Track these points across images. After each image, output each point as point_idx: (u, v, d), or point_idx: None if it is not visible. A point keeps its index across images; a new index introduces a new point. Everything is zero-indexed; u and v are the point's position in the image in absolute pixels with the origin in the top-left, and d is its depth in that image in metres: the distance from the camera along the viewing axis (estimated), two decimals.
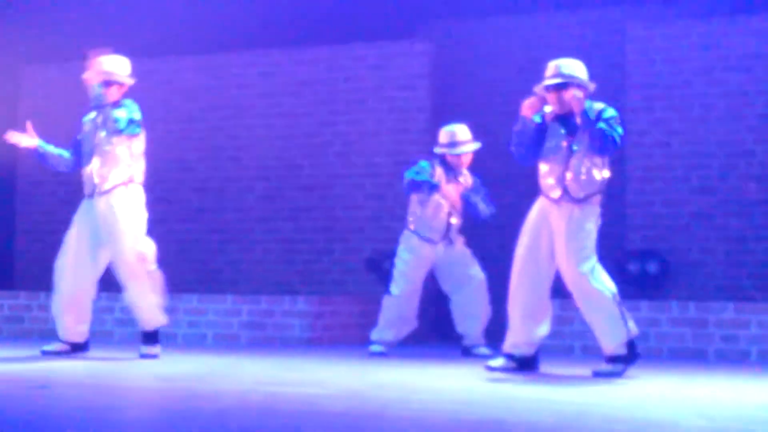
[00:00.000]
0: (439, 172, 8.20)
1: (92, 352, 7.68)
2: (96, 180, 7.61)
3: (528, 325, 6.68)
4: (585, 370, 6.80)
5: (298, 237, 11.71)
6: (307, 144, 11.76)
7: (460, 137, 8.27)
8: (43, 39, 12.05)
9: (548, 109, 6.69)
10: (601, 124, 6.49)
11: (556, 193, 6.60)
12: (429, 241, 8.21)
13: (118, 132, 7.54)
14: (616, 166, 10.83)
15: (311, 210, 11.66)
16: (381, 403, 5.15)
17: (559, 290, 7.86)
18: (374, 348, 8.14)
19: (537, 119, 6.67)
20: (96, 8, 11.70)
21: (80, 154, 7.80)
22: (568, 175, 6.57)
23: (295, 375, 6.58)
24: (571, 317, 8.52)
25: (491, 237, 11.39)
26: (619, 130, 6.55)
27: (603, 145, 6.51)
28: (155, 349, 7.53)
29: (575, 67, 6.67)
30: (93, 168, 7.63)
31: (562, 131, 6.62)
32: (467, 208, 8.28)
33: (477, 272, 8.23)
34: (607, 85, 11.34)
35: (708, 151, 10.45)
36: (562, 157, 6.60)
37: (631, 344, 6.55)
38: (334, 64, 11.68)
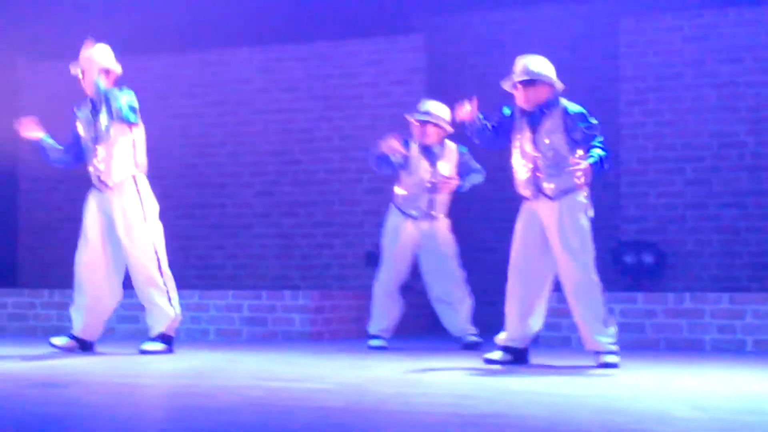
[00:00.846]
0: (413, 148, 8.26)
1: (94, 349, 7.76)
2: (102, 167, 7.60)
3: (524, 321, 6.78)
4: (581, 362, 6.88)
5: (297, 232, 11.79)
6: (305, 139, 11.83)
7: (423, 107, 8.28)
8: (42, 34, 12.08)
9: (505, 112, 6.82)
10: (598, 151, 6.51)
11: (528, 192, 6.69)
12: (410, 217, 8.27)
13: (122, 119, 7.52)
14: (609, 158, 10.96)
15: (310, 205, 11.74)
16: (381, 397, 5.22)
17: (557, 283, 7.96)
18: (373, 342, 8.22)
19: (506, 111, 6.79)
20: (94, 3, 11.74)
21: (80, 148, 7.80)
22: (538, 173, 6.64)
23: (296, 370, 6.64)
24: (568, 310, 8.59)
25: (489, 229, 11.48)
26: (600, 138, 6.59)
27: (600, 170, 6.55)
28: (159, 346, 7.59)
29: (543, 65, 6.75)
30: (99, 157, 7.62)
31: (527, 128, 6.69)
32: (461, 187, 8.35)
33: (456, 268, 8.28)
34: (600, 77, 11.46)
35: (701, 143, 10.53)
36: (529, 154, 6.67)
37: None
38: (331, 60, 11.75)
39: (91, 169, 7.73)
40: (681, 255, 10.49)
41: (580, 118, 6.61)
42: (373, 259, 10.86)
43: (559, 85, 6.71)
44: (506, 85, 6.75)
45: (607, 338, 6.64)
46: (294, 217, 11.80)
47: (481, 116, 6.78)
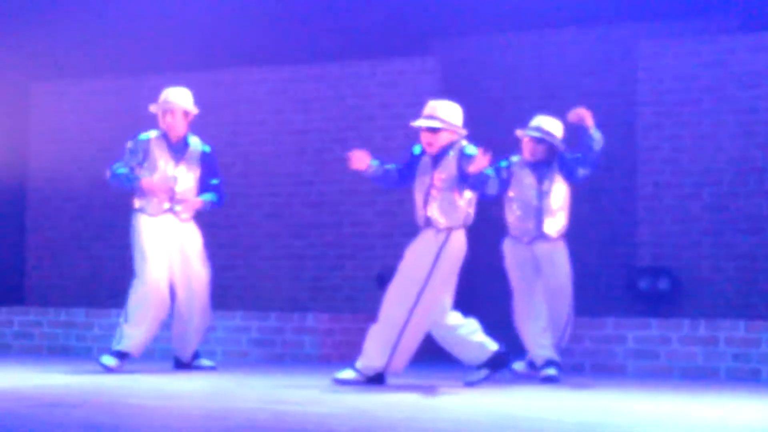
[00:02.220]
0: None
1: (100, 368, 7.68)
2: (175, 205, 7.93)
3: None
4: (594, 389, 6.78)
5: (308, 253, 11.71)
6: (317, 160, 11.77)
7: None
8: (53, 56, 12.09)
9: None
10: (489, 171, 6.88)
11: (421, 221, 7.04)
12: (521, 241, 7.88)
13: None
14: (626, 182, 10.89)
15: (321, 227, 11.66)
16: (391, 422, 5.14)
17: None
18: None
19: (417, 150, 7.17)
20: (104, 25, 11.74)
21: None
22: (430, 208, 6.99)
23: (304, 393, 6.57)
24: (581, 335, 8.50)
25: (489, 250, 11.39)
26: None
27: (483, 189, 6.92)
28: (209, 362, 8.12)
29: (451, 112, 7.08)
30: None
31: (430, 168, 7.05)
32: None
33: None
34: (617, 102, 11.39)
35: (718, 168, 10.43)
36: (423, 189, 7.05)
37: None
38: (344, 81, 11.69)
39: (163, 190, 7.91)
40: (697, 281, 10.38)
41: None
42: (384, 282, 10.77)
43: (463, 132, 7.10)
44: (416, 124, 7.14)
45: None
46: (305, 239, 11.72)
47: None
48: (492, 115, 11.81)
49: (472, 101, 11.99)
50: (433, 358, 9.53)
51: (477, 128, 11.76)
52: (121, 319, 7.87)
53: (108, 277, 12.30)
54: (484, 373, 7.05)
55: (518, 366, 7.87)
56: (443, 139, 7.01)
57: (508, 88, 11.89)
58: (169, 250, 7.90)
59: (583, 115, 7.69)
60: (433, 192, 7.00)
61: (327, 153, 11.70)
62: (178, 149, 8.00)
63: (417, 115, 11.43)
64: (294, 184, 11.82)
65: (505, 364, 7.11)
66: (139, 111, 12.66)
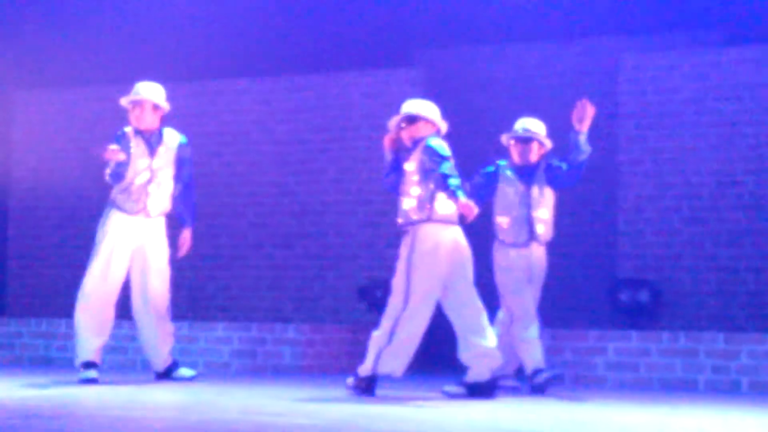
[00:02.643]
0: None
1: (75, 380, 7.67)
2: (150, 200, 7.81)
3: None
4: (575, 401, 6.79)
5: (290, 264, 11.71)
6: (301, 171, 11.78)
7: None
8: (36, 64, 12.08)
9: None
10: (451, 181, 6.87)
11: (401, 221, 7.08)
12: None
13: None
14: (607, 195, 10.93)
15: (304, 237, 11.67)
16: None
17: (550, 320, 7.88)
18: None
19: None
20: (87, 34, 11.74)
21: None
22: (401, 201, 7.04)
23: (284, 404, 6.56)
24: (562, 346, 8.52)
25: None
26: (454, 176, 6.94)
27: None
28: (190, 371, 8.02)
29: (428, 108, 7.12)
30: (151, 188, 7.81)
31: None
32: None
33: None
34: (599, 114, 11.39)
35: (699, 181, 10.48)
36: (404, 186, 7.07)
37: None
38: (328, 92, 11.71)
39: (135, 191, 7.84)
40: (677, 293, 10.41)
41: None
42: (366, 293, 10.80)
43: (444, 126, 7.16)
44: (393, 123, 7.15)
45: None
46: (288, 249, 11.72)
47: None
48: (475, 126, 11.85)
49: (455, 112, 12.03)
50: (417, 370, 9.55)
51: (460, 139, 11.79)
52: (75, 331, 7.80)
53: None
54: (460, 390, 7.05)
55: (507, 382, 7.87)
56: (422, 130, 7.05)
57: (491, 99, 11.93)
58: (132, 255, 7.78)
59: (588, 114, 7.69)
60: (403, 186, 7.04)
61: (310, 163, 11.71)
62: (152, 144, 7.96)
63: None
64: (277, 195, 11.83)
65: (484, 395, 7.02)
66: (123, 120, 12.66)
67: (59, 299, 12.41)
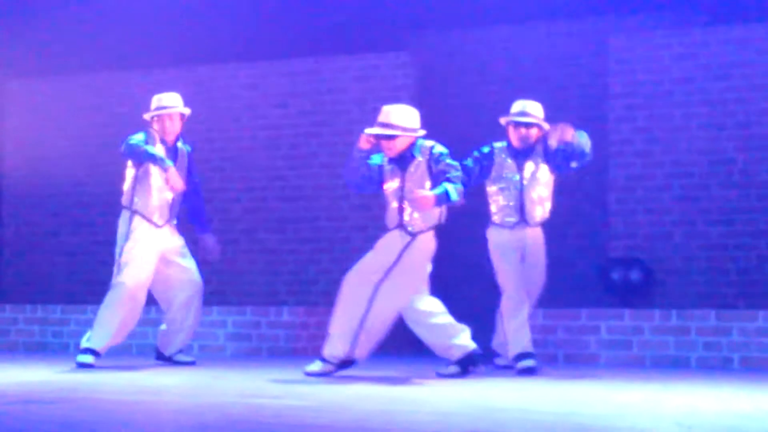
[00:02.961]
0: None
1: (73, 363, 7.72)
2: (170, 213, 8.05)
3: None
4: (569, 379, 6.85)
5: (283, 248, 11.75)
6: (292, 155, 11.80)
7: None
8: (26, 53, 12.07)
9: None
10: (447, 186, 6.91)
11: (392, 224, 7.14)
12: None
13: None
14: (598, 175, 10.97)
15: (297, 221, 11.70)
16: (364, 415, 5.19)
17: (542, 300, 7.93)
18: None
19: (378, 160, 7.24)
20: (76, 23, 11.73)
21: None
22: (405, 213, 7.07)
23: (279, 387, 6.61)
24: (554, 326, 8.58)
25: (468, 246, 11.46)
26: (456, 173, 7.01)
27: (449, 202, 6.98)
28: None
29: (405, 116, 7.12)
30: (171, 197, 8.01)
31: (399, 174, 7.13)
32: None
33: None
34: (589, 95, 11.47)
35: (689, 160, 10.53)
36: (396, 195, 7.12)
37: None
38: (318, 76, 11.73)
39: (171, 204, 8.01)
40: (669, 272, 10.47)
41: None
42: None
43: (421, 133, 7.13)
44: (369, 131, 7.16)
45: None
46: (281, 233, 11.76)
47: None
48: (465, 108, 11.88)
49: (445, 95, 12.08)
50: (406, 350, 9.60)
51: (450, 121, 11.83)
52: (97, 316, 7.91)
53: (84, 273, 12.31)
54: (454, 369, 7.13)
55: (501, 361, 7.92)
56: (401, 143, 7.07)
57: (481, 82, 11.96)
58: (158, 260, 7.95)
59: (564, 136, 7.56)
60: (407, 199, 7.05)
61: (302, 148, 11.73)
62: (172, 153, 8.04)
63: None
64: (269, 179, 11.85)
65: (476, 365, 7.15)
66: (113, 108, 12.69)
67: (54, 286, 12.45)
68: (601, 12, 11.54)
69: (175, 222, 8.11)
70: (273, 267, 11.76)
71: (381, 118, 7.13)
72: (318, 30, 11.96)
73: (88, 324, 9.46)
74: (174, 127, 8.05)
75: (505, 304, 7.63)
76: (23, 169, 12.61)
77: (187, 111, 8.16)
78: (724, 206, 10.39)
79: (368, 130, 7.14)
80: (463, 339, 7.11)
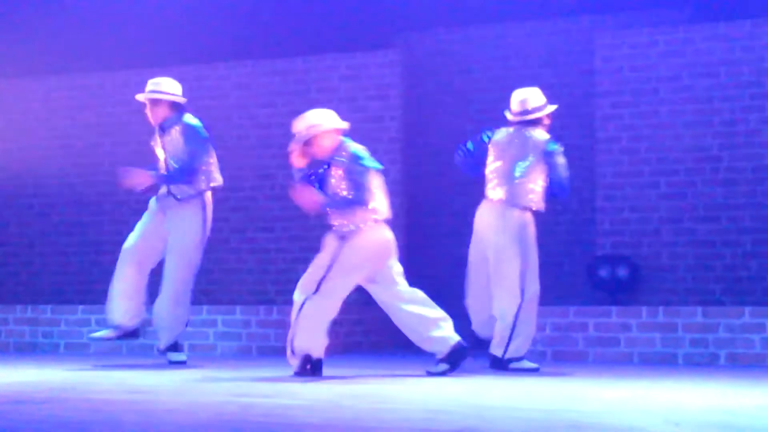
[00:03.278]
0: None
1: (67, 365, 7.72)
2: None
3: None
4: (557, 376, 6.88)
5: (273, 247, 11.77)
6: (282, 154, 11.76)
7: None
8: (16, 53, 12.07)
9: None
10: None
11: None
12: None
13: None
14: (585, 173, 11.02)
15: (287, 220, 11.72)
16: (355, 414, 5.21)
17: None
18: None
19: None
20: (70, 22, 11.74)
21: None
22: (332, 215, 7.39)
23: (271, 386, 6.63)
24: (542, 324, 8.63)
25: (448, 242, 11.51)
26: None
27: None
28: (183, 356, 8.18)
29: (324, 117, 7.39)
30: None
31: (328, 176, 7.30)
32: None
33: None
34: (576, 93, 11.51)
35: (675, 157, 10.58)
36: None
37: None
38: (307, 75, 11.75)
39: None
40: (655, 269, 10.53)
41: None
42: None
43: (344, 125, 7.35)
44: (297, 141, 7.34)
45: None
46: (270, 232, 11.78)
47: None
48: (453, 106, 11.92)
49: (433, 93, 12.11)
50: (396, 348, 9.63)
51: (438, 119, 11.86)
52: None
53: (74, 273, 12.32)
54: (444, 367, 7.15)
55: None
56: (327, 143, 7.24)
57: (469, 80, 11.99)
58: (163, 231, 8.16)
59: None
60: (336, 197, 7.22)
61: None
62: (161, 130, 8.44)
63: (381, 108, 11.57)
64: (259, 178, 11.87)
65: (464, 357, 7.19)
66: (103, 107, 12.69)
67: (43, 286, 12.46)
68: (587, 10, 11.59)
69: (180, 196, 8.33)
70: (263, 266, 11.79)
71: (301, 125, 7.35)
72: (307, 29, 11.98)
73: (79, 324, 9.51)
74: (154, 115, 8.45)
75: (533, 302, 7.72)
76: (13, 169, 12.61)
77: (159, 96, 8.39)
78: (711, 203, 10.45)
79: (293, 143, 7.31)
80: (446, 331, 7.12)
